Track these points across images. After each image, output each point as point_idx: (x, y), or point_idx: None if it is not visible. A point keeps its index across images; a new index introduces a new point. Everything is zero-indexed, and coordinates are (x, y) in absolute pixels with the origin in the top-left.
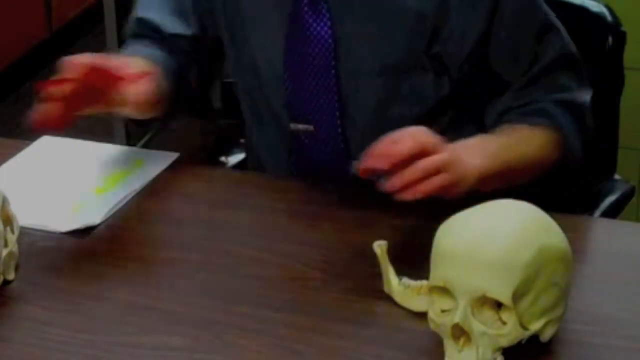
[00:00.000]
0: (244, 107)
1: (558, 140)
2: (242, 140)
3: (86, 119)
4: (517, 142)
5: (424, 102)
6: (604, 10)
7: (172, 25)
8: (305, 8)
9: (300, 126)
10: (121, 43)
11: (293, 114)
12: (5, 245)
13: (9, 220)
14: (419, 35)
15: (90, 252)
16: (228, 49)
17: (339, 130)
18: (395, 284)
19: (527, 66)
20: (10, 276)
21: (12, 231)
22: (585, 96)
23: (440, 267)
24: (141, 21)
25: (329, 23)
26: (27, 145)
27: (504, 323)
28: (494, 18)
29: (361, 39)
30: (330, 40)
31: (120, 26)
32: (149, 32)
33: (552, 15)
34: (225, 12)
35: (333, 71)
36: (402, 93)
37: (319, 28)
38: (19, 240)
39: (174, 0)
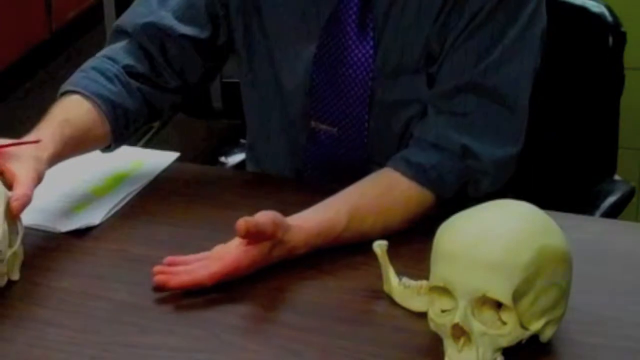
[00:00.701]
0: (251, 122)
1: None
2: (242, 141)
3: None
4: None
5: (421, 101)
6: (604, 10)
7: (182, 27)
8: (348, 28)
9: (323, 126)
10: None
11: (316, 117)
12: (10, 245)
13: (13, 221)
14: (433, 35)
15: (90, 252)
16: (242, 58)
17: (365, 132)
18: (395, 284)
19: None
20: (15, 277)
21: (17, 232)
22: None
23: (440, 267)
24: (151, 26)
25: (372, 42)
26: None
27: (504, 323)
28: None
29: (397, 47)
30: (371, 52)
31: None
32: (147, 39)
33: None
34: (242, 18)
35: (370, 82)
36: (412, 94)
37: (361, 47)
38: None
39: (184, 3)
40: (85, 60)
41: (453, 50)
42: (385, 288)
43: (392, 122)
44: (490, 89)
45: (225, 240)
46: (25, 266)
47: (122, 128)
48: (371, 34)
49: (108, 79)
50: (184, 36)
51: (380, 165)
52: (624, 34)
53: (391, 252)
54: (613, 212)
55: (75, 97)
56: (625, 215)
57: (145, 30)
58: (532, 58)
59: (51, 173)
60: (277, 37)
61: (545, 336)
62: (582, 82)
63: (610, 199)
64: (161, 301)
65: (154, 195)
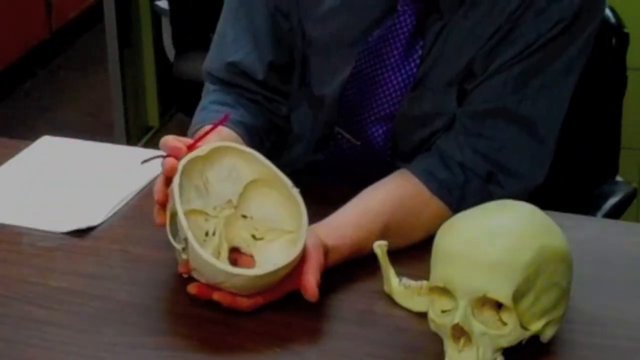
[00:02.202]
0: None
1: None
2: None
3: (86, 119)
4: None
5: (449, 113)
6: (607, 11)
7: (259, 64)
8: (394, 50)
9: (347, 135)
10: (121, 43)
11: (341, 125)
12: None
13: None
14: (479, 57)
15: (90, 252)
16: (296, 70)
17: (389, 144)
18: (395, 284)
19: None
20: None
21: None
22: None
23: (441, 267)
24: (233, 65)
25: (415, 69)
26: (27, 145)
27: (504, 323)
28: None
29: (437, 69)
30: (413, 77)
31: (120, 26)
32: (239, 79)
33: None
34: (302, 33)
35: (401, 102)
36: (442, 107)
37: (403, 70)
38: (18, 240)
39: (250, 32)
40: (85, 60)
41: (494, 73)
42: (386, 288)
43: (416, 134)
44: (523, 118)
45: None
46: (25, 266)
47: (258, 145)
48: (417, 60)
49: (229, 106)
50: (268, 66)
51: (399, 166)
52: (626, 35)
53: (391, 252)
54: (615, 214)
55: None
56: (626, 217)
57: (233, 73)
58: (570, 91)
59: (51, 173)
60: (322, 47)
61: (546, 336)
62: (585, 83)
63: (612, 200)
64: (161, 301)
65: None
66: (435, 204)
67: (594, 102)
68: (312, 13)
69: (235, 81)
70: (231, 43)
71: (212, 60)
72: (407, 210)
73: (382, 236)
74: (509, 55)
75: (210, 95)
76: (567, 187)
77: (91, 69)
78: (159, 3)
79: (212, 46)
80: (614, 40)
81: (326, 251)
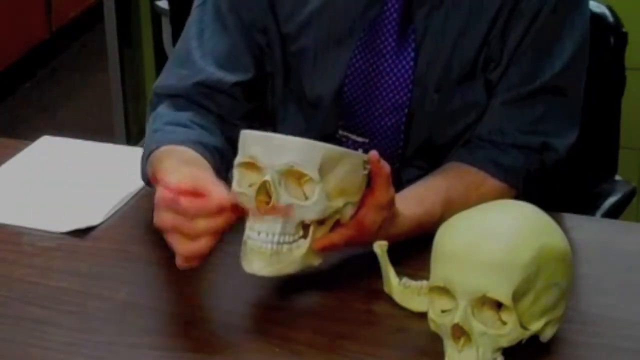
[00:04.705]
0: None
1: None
2: None
3: (86, 119)
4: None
5: (480, 106)
6: (605, 11)
7: (230, 76)
8: (388, 38)
9: (352, 136)
10: (121, 43)
11: (345, 127)
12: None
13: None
14: (493, 39)
15: (90, 252)
16: (277, 81)
17: (401, 143)
18: (395, 284)
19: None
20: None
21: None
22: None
23: (440, 267)
24: (200, 84)
25: (412, 53)
26: (27, 145)
27: (504, 323)
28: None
29: (443, 56)
30: (411, 63)
31: (120, 26)
32: (204, 97)
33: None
34: (282, 44)
35: (409, 94)
36: (471, 101)
37: (401, 57)
38: (18, 240)
39: (224, 49)
40: (85, 60)
41: (519, 53)
42: (385, 288)
43: (447, 131)
44: (554, 87)
45: (225, 240)
46: (25, 266)
47: (219, 164)
48: (412, 45)
49: (185, 126)
50: (235, 84)
51: (415, 168)
52: (625, 35)
53: (391, 252)
54: (614, 213)
55: (165, 149)
56: (625, 216)
57: (198, 91)
58: (587, 44)
59: (51, 173)
60: (310, 54)
61: (546, 336)
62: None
63: (611, 200)
64: (161, 301)
65: (154, 196)
66: (502, 188)
67: (593, 102)
68: (294, 19)
69: (198, 98)
70: (199, 60)
71: (174, 78)
72: (467, 186)
73: (447, 208)
74: (519, 32)
75: (160, 117)
76: (567, 187)
77: (91, 69)
78: (159, 3)
79: (172, 64)
80: (612, 40)
81: (393, 214)
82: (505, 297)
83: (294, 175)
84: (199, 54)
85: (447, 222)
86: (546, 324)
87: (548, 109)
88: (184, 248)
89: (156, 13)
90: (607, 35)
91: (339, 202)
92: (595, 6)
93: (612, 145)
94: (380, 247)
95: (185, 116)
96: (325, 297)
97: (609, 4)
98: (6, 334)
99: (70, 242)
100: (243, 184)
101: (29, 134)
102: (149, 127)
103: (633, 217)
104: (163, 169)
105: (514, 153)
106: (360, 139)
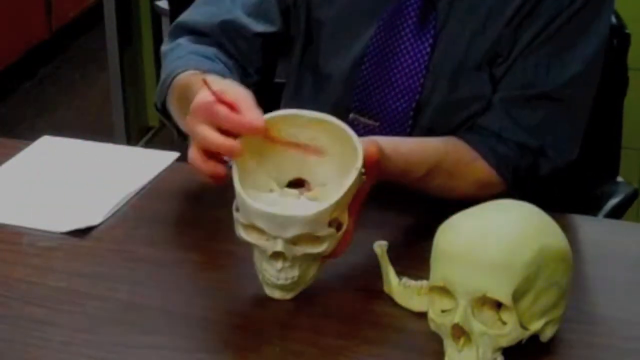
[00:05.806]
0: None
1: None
2: None
3: (86, 119)
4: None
5: (485, 97)
6: None
7: (256, 25)
8: (409, 22)
9: (362, 119)
10: (121, 43)
11: (356, 110)
12: None
13: None
14: (506, 36)
15: (90, 252)
16: (297, 47)
17: (408, 129)
18: (395, 284)
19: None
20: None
21: None
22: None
23: (441, 267)
24: (226, 23)
25: (430, 40)
26: (27, 145)
27: (504, 323)
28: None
29: (459, 47)
30: (428, 50)
31: (120, 26)
32: (226, 38)
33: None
34: (307, 8)
35: (422, 80)
36: (476, 92)
37: (419, 42)
38: (18, 240)
39: (257, 2)
40: (85, 60)
41: (527, 54)
42: (385, 288)
43: (453, 118)
44: (566, 101)
45: (225, 240)
46: (25, 266)
47: None
48: (432, 32)
49: (210, 59)
50: (257, 34)
51: None
52: (628, 36)
53: (391, 252)
54: (615, 214)
55: (193, 72)
56: (626, 217)
57: (223, 30)
58: (601, 60)
59: (51, 173)
60: (330, 25)
61: (545, 336)
62: None
63: (613, 201)
64: (161, 301)
65: (154, 195)
66: (491, 175)
67: (595, 103)
68: None
69: (221, 39)
70: (229, 1)
71: (200, 14)
72: (460, 158)
73: (433, 170)
74: (532, 32)
75: (183, 47)
76: (568, 188)
77: (91, 69)
78: (159, 3)
79: (199, 2)
80: (615, 41)
81: (380, 155)
82: (505, 297)
83: None
84: None
85: (447, 222)
86: (546, 324)
87: (549, 117)
88: (215, 139)
89: (156, 13)
90: (610, 36)
91: None
92: None
93: (614, 146)
94: (380, 247)
95: (210, 50)
96: (325, 297)
97: None
98: (6, 334)
99: (70, 242)
100: None
101: (29, 134)
102: (168, 55)
103: (634, 219)
104: (201, 81)
105: (511, 145)
106: (370, 122)
